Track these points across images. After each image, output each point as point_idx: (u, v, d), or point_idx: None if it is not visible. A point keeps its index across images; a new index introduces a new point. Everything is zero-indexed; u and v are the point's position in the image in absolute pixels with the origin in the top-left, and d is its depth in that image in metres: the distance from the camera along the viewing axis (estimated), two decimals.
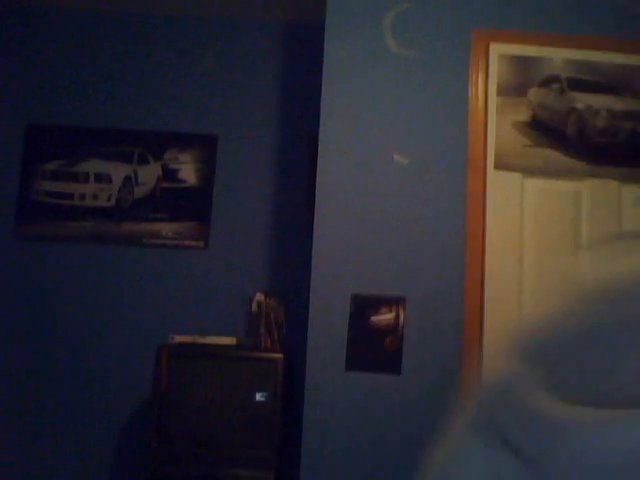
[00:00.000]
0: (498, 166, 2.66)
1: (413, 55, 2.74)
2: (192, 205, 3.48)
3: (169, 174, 3.50)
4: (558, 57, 2.75)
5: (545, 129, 2.72)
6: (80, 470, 3.23)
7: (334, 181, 2.63)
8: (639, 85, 2.75)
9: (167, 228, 3.46)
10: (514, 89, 2.72)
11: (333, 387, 2.51)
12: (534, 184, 2.68)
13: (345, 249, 2.58)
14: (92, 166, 3.49)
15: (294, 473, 2.61)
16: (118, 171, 3.49)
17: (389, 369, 2.52)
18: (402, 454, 2.42)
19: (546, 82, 2.73)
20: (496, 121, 2.69)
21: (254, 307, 3.18)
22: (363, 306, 2.53)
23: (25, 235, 3.45)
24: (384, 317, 2.53)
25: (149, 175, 3.50)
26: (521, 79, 2.73)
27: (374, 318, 2.53)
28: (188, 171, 3.50)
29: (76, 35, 3.59)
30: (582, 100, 2.72)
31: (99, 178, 3.48)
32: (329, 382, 2.52)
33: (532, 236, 2.64)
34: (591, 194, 2.68)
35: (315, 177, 2.67)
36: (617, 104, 2.73)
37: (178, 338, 2.98)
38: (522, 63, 2.73)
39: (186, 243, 3.45)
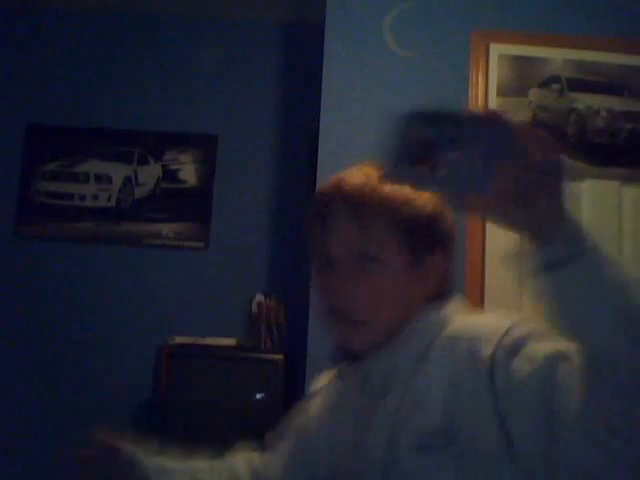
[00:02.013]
0: None
1: (413, 55, 2.73)
2: (192, 205, 3.48)
3: (169, 174, 3.50)
4: (558, 57, 2.74)
5: (545, 129, 2.71)
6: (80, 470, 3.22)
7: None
8: (639, 85, 2.75)
9: (167, 228, 3.46)
10: (514, 89, 2.72)
11: None
12: None
13: None
14: (92, 166, 3.49)
15: None
16: (118, 172, 3.49)
17: None
18: None
19: (546, 82, 2.73)
20: None
21: (254, 308, 3.18)
22: None
23: (25, 235, 3.45)
24: None
25: (149, 176, 3.50)
26: (521, 79, 2.72)
27: None
28: (188, 171, 3.50)
29: (76, 35, 3.59)
30: (582, 100, 2.72)
31: (99, 179, 3.48)
32: None
33: None
34: (591, 195, 2.68)
35: (315, 177, 2.66)
36: (617, 104, 2.72)
37: (178, 339, 2.98)
38: (522, 63, 2.73)
39: (186, 244, 3.45)
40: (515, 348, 0.88)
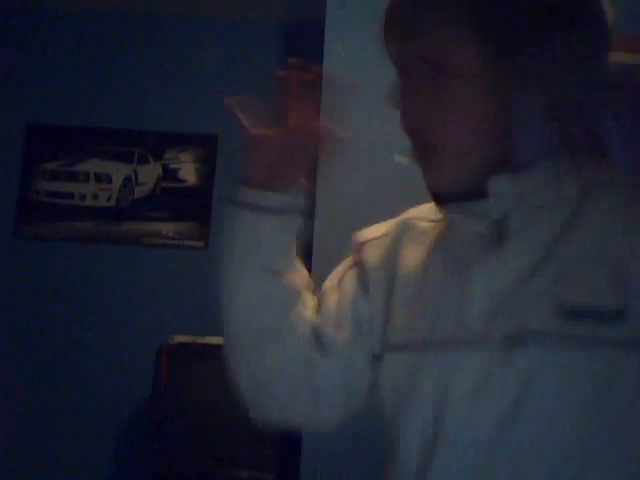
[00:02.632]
0: None
1: None
2: (192, 205, 3.48)
3: (169, 174, 3.50)
4: None
5: None
6: (80, 470, 3.23)
7: (334, 181, 2.63)
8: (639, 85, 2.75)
9: (167, 228, 3.46)
10: None
11: None
12: None
13: (345, 249, 2.57)
14: (92, 166, 3.49)
15: (294, 473, 2.61)
16: (118, 171, 3.49)
17: None
18: None
19: None
20: None
21: None
22: None
23: (25, 235, 3.45)
24: None
25: (149, 175, 3.50)
26: None
27: None
28: (188, 171, 3.50)
29: (76, 35, 3.59)
30: None
31: (99, 178, 3.48)
32: None
33: None
34: None
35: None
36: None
37: (178, 338, 2.98)
38: None
39: (186, 243, 3.45)
40: None
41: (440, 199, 0.86)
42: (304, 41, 3.49)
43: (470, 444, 0.76)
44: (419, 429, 0.80)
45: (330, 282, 0.99)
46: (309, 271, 1.10)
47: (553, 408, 0.73)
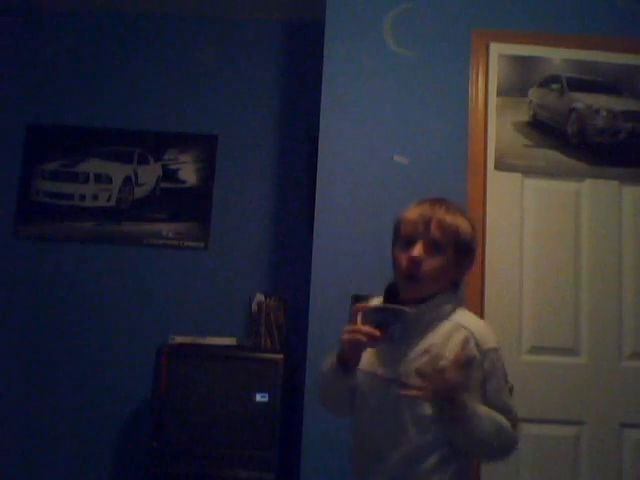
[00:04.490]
0: (498, 166, 2.66)
1: (413, 55, 2.74)
2: (192, 205, 3.48)
3: (169, 174, 3.50)
4: (558, 57, 2.75)
5: (545, 129, 2.72)
6: (80, 470, 3.23)
7: (334, 181, 2.63)
8: (639, 85, 2.75)
9: (167, 228, 3.46)
10: (514, 89, 2.72)
11: None
12: (534, 184, 2.68)
13: (345, 249, 2.58)
14: (92, 166, 3.50)
15: (294, 473, 2.61)
16: (118, 171, 3.49)
17: None
18: None
19: (546, 82, 2.73)
20: (496, 121, 2.69)
21: (254, 307, 3.18)
22: None
23: (25, 235, 3.45)
24: None
25: (149, 175, 3.50)
26: (521, 79, 2.73)
27: None
28: (188, 171, 3.51)
29: (76, 35, 3.59)
30: (582, 100, 2.72)
31: (99, 178, 3.49)
32: None
33: (532, 236, 2.64)
34: (591, 194, 2.68)
35: (315, 177, 2.67)
36: (617, 104, 2.73)
37: (178, 338, 2.98)
38: (522, 63, 2.73)
39: (186, 243, 3.45)
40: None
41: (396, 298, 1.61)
42: (304, 41, 3.51)
43: None
44: None
45: None
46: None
47: None
